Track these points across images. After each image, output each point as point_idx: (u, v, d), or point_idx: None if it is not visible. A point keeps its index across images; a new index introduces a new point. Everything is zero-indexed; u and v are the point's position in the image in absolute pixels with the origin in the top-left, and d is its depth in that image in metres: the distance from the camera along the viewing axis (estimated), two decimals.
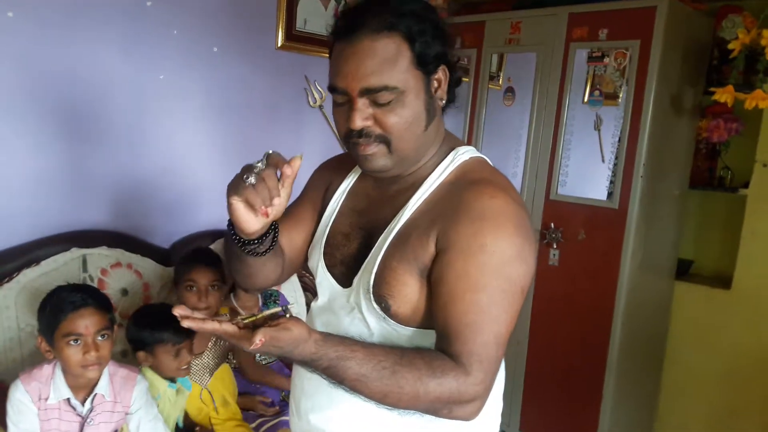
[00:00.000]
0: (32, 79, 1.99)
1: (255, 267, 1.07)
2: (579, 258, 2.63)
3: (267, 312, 0.88)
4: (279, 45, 2.57)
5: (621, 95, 2.47)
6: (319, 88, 2.68)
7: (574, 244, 2.64)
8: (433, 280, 0.96)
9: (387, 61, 0.92)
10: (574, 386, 2.70)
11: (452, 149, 1.07)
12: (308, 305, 2.22)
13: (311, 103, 2.69)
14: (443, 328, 0.93)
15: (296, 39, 2.59)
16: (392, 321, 1.00)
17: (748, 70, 2.42)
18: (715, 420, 2.77)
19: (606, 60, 2.48)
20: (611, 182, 2.56)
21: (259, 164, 0.89)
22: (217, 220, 2.56)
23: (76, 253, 2.07)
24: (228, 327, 0.82)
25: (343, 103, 0.97)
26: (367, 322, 1.03)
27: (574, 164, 2.67)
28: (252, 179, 0.87)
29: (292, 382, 1.20)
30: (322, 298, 1.15)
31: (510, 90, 2.86)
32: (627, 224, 2.47)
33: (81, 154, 2.16)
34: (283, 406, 2.24)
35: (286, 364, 2.32)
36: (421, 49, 0.94)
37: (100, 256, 2.13)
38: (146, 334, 1.78)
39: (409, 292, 0.98)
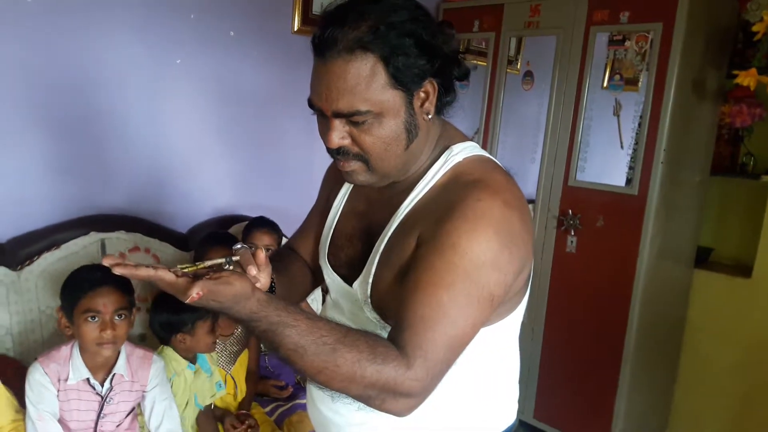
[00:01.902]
0: (51, 64, 2.00)
1: (282, 291, 1.08)
2: (597, 245, 2.60)
3: (209, 262, 0.85)
4: (295, 29, 2.56)
5: (641, 80, 2.43)
6: None
7: (593, 231, 2.61)
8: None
9: (359, 84, 0.87)
10: (590, 375, 2.68)
11: (446, 149, 1.02)
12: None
13: None
14: (399, 317, 0.89)
15: (313, 23, 2.58)
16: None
17: None
18: (731, 411, 2.74)
19: (627, 44, 2.43)
20: (630, 168, 2.53)
21: (228, 266, 0.87)
22: (234, 204, 2.57)
23: (94, 237, 2.09)
24: (163, 274, 0.78)
25: (322, 115, 0.94)
26: (372, 321, 1.03)
27: (593, 150, 2.63)
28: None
29: None
30: (332, 295, 1.16)
31: (529, 74, 2.83)
32: (646, 211, 2.43)
33: (98, 139, 2.17)
34: (298, 389, 2.26)
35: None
36: (398, 69, 0.88)
37: (119, 240, 2.15)
38: (187, 315, 1.78)
39: None
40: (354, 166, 0.96)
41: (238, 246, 0.89)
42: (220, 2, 2.35)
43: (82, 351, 1.61)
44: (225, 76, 2.43)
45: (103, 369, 1.64)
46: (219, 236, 2.21)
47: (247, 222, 2.40)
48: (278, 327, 0.81)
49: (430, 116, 0.97)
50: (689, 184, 2.62)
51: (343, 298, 1.10)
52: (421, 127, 0.96)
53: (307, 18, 2.56)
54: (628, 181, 2.53)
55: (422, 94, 0.94)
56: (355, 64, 0.87)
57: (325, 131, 0.94)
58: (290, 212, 2.59)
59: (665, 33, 2.31)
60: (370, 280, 0.99)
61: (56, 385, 1.58)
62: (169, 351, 1.83)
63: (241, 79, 2.48)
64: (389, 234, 1.00)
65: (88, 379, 1.61)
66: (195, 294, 0.76)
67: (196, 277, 0.80)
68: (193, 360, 1.86)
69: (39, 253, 2.00)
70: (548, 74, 2.71)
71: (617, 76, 2.48)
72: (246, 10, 2.42)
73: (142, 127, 2.26)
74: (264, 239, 2.10)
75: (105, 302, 1.57)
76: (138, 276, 0.77)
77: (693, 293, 2.84)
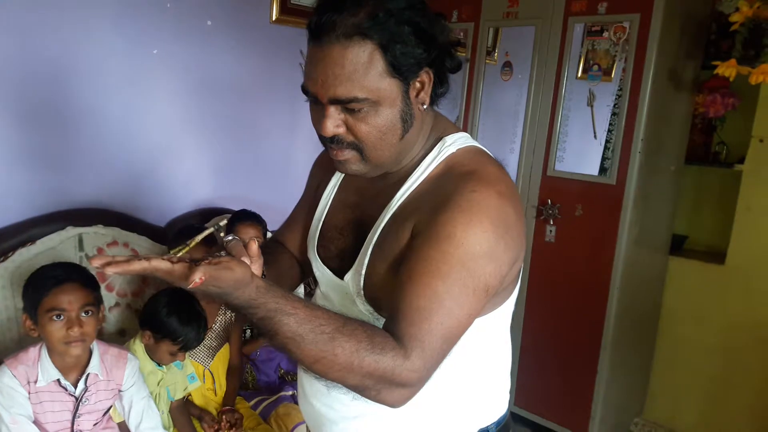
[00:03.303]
0: (24, 55, 1.94)
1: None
2: (576, 234, 2.64)
3: (199, 236, 0.83)
4: (274, 18, 2.53)
5: (614, 71, 2.46)
6: None
7: (571, 220, 2.64)
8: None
9: (356, 71, 0.86)
10: (570, 362, 2.72)
11: (440, 139, 1.02)
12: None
13: None
14: (394, 307, 0.89)
15: (291, 12, 2.55)
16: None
17: (746, 45, 2.40)
18: (706, 394, 2.81)
19: (605, 34, 2.45)
20: (604, 158, 2.56)
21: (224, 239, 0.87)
22: (212, 197, 2.53)
23: (71, 231, 2.05)
24: (159, 263, 0.74)
25: (316, 102, 0.93)
26: (365, 314, 1.02)
27: (571, 140, 2.65)
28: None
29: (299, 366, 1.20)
30: (321, 288, 1.14)
31: (507, 65, 2.83)
32: (624, 200, 2.47)
33: (74, 131, 2.12)
34: (281, 383, 2.25)
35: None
36: (396, 57, 0.88)
37: (96, 235, 2.10)
38: (167, 323, 1.74)
39: None
40: (348, 155, 0.95)
41: (230, 238, 0.87)
42: None
43: (50, 352, 1.56)
44: (203, 66, 2.39)
45: (75, 369, 1.60)
46: (193, 230, 2.17)
47: (225, 215, 2.38)
48: (276, 314, 0.80)
49: (425, 106, 0.96)
50: (665, 173, 2.67)
51: (334, 291, 1.09)
52: (416, 117, 0.96)
53: (285, 7, 2.53)
54: (602, 170, 2.57)
55: (418, 84, 0.93)
56: (353, 50, 0.86)
57: (319, 119, 0.93)
58: (270, 204, 2.58)
59: (642, 24, 2.34)
60: (363, 272, 0.98)
61: (26, 387, 1.53)
62: (139, 348, 1.80)
63: (219, 69, 2.44)
64: (382, 225, 0.99)
65: (59, 381, 1.56)
66: (198, 279, 0.73)
67: (193, 261, 0.77)
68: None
69: (13, 249, 1.95)
70: (526, 65, 2.72)
71: (596, 67, 2.50)
72: None
73: (120, 118, 2.21)
74: (249, 232, 2.08)
75: (70, 299, 1.52)
76: (132, 270, 0.73)
77: (668, 280, 2.90)
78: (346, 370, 0.83)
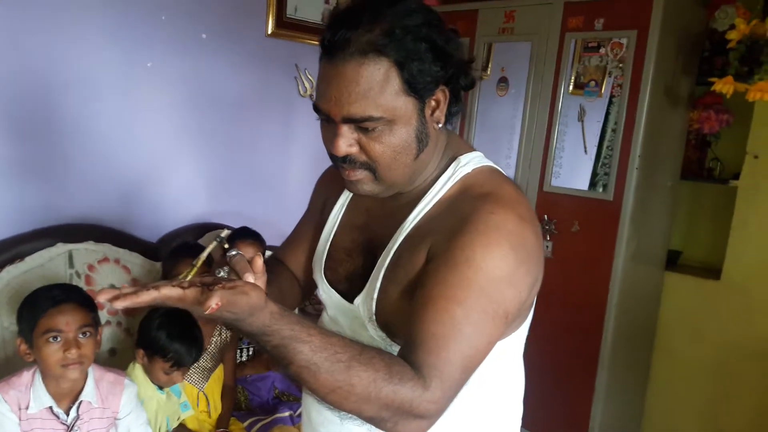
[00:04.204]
0: (17, 67, 1.91)
1: None
2: (572, 250, 2.62)
3: (204, 254, 0.80)
4: (269, 32, 2.51)
5: (604, 86, 2.47)
6: (309, 76, 2.62)
7: (568, 236, 2.63)
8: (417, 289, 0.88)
9: (372, 88, 0.83)
10: (567, 379, 2.70)
11: (454, 159, 0.98)
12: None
13: (301, 92, 2.63)
14: (410, 334, 0.84)
15: (287, 26, 2.53)
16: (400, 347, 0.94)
17: (743, 62, 2.42)
18: (703, 410, 2.79)
19: (602, 50, 2.45)
20: (594, 173, 2.56)
21: (222, 273, 0.84)
22: (205, 212, 2.49)
23: (61, 248, 2.00)
24: (170, 291, 0.70)
25: (328, 121, 0.89)
26: (377, 339, 0.98)
27: (567, 156, 2.65)
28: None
29: (303, 391, 1.16)
30: (329, 312, 1.10)
31: (503, 80, 2.83)
32: (622, 216, 2.46)
33: (65, 144, 2.07)
34: (276, 403, 2.20)
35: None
36: (413, 75, 0.85)
37: (87, 252, 2.05)
38: (156, 338, 1.70)
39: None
40: (360, 175, 0.91)
41: (233, 252, 0.83)
42: (191, 3, 2.28)
43: (45, 377, 1.49)
44: (197, 79, 2.36)
45: (68, 396, 1.53)
46: (188, 247, 2.12)
47: (219, 230, 2.33)
48: (291, 342, 0.76)
49: (440, 125, 0.93)
50: (662, 189, 2.66)
51: (343, 316, 1.05)
52: (430, 137, 0.93)
53: (281, 21, 2.50)
54: (593, 185, 2.56)
55: (433, 102, 0.90)
56: (368, 67, 0.83)
57: (331, 138, 0.89)
58: (265, 219, 2.54)
59: (639, 40, 2.34)
60: (375, 297, 0.95)
61: (17, 413, 1.46)
62: (139, 372, 1.74)
63: (214, 82, 2.40)
64: (395, 248, 0.95)
65: (51, 408, 1.49)
66: (214, 305, 0.69)
67: (204, 285, 0.73)
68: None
69: (1, 266, 1.90)
70: (522, 80, 2.72)
71: (593, 82, 2.50)
72: (219, 12, 2.36)
73: (112, 132, 2.17)
74: (249, 251, 2.01)
75: (67, 320, 1.46)
76: (141, 302, 0.69)
77: (664, 296, 2.89)
78: (363, 401, 0.79)
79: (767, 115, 2.47)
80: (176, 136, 2.36)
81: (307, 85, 2.62)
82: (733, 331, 2.66)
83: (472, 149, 1.02)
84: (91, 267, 2.04)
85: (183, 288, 0.72)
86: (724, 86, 2.19)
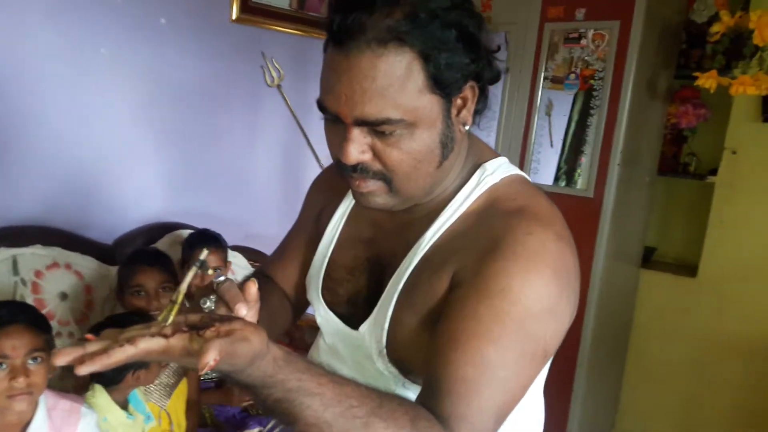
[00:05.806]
0: None
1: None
2: None
3: (183, 284, 0.63)
4: (234, 18, 2.33)
5: (569, 79, 2.40)
6: (276, 65, 2.46)
7: None
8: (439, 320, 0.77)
9: (391, 85, 0.70)
10: (546, 381, 2.63)
11: (478, 166, 0.86)
12: None
13: (269, 82, 2.47)
14: (433, 378, 0.73)
15: (253, 11, 2.36)
16: (415, 384, 0.83)
17: (727, 54, 2.38)
18: (677, 408, 2.77)
19: (583, 42, 2.37)
20: (558, 167, 2.50)
21: (208, 303, 0.72)
22: (164, 212, 2.32)
23: (5, 253, 1.82)
24: (150, 344, 0.56)
25: (336, 121, 0.76)
26: (385, 375, 0.85)
27: (546, 151, 2.57)
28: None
29: None
30: (327, 338, 0.97)
31: None
32: (602, 214, 2.40)
33: (8, 140, 1.88)
34: (244, 417, 2.06)
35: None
36: (439, 69, 0.72)
37: (34, 256, 1.87)
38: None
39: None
40: (372, 186, 0.78)
41: (222, 279, 0.70)
42: None
43: None
44: (156, 67, 2.18)
45: (14, 428, 1.33)
46: (147, 253, 1.95)
47: (180, 231, 2.17)
48: (297, 396, 0.63)
49: (467, 127, 0.80)
50: (640, 185, 2.62)
51: (344, 344, 0.91)
52: (456, 141, 0.79)
53: (246, 6, 2.33)
54: (556, 179, 2.51)
55: (459, 101, 0.77)
56: (387, 59, 0.69)
57: (338, 142, 0.75)
58: (228, 218, 2.38)
59: (622, 31, 2.27)
60: (386, 326, 0.82)
61: None
62: (102, 399, 1.55)
63: (174, 71, 2.23)
64: (409, 269, 0.82)
65: None
66: (212, 362, 0.55)
67: (192, 327, 0.59)
68: (124, 405, 1.59)
69: None
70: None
71: (573, 75, 2.42)
72: None
73: (61, 125, 1.98)
74: (210, 259, 1.87)
75: (14, 344, 1.27)
76: (116, 362, 0.55)
77: (640, 292, 2.86)
78: None
79: (746, 110, 2.44)
80: (132, 129, 2.18)
81: (274, 74, 2.46)
82: (709, 328, 2.64)
83: (496, 154, 0.89)
84: (38, 273, 1.86)
85: (166, 336, 0.57)
86: (707, 81, 2.13)
